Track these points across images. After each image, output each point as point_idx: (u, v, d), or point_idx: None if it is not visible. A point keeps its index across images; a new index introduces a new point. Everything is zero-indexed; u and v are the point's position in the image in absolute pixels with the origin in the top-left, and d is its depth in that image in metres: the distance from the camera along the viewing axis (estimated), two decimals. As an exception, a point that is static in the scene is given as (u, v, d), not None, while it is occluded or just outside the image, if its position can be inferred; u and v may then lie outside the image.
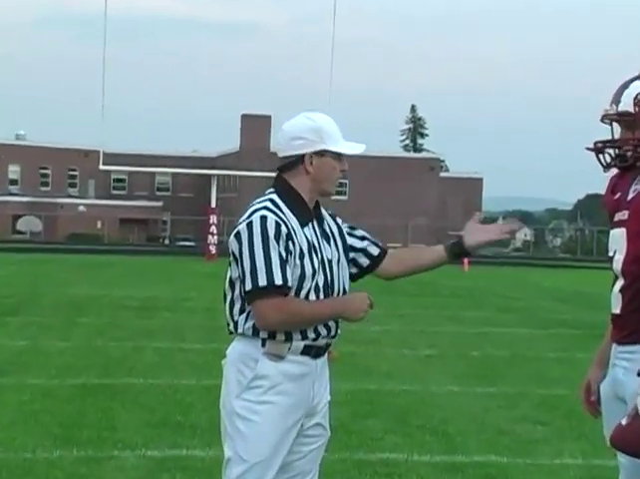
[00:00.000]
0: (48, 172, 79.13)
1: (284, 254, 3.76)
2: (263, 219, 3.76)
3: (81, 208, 73.31)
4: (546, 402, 9.63)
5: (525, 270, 45.13)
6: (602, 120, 3.96)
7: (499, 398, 9.83)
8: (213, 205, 45.36)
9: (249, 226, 3.77)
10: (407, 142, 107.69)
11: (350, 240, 4.07)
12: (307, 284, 3.82)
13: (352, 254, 4.07)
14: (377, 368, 11.56)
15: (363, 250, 4.10)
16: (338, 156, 3.95)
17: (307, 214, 3.90)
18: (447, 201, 78.00)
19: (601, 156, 3.98)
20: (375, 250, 4.13)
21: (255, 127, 72.95)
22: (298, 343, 3.84)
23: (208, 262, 40.54)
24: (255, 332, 3.82)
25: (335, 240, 3.99)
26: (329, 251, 3.93)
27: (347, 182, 75.35)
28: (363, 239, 4.12)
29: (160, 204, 79.14)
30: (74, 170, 79.97)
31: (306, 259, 3.82)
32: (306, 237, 3.85)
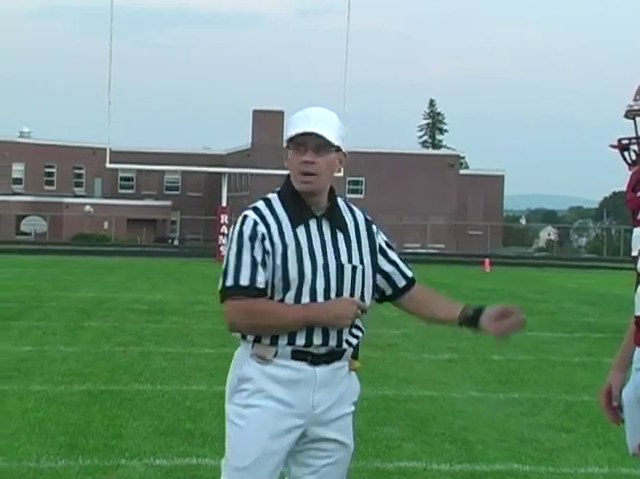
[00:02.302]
0: (53, 170, 78.34)
1: (259, 255, 3.61)
2: (244, 218, 3.65)
3: (87, 207, 72.72)
4: (571, 409, 9.40)
5: (549, 271, 44.85)
6: (626, 115, 3.85)
7: (522, 404, 9.62)
8: (224, 204, 45.08)
9: (234, 226, 3.69)
10: (425, 138, 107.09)
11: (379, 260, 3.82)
12: (294, 286, 3.62)
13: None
14: (395, 373, 11.34)
15: (386, 276, 3.84)
16: (297, 145, 3.64)
17: (303, 213, 3.67)
18: (467, 199, 77.64)
19: (626, 153, 3.87)
20: (401, 281, 3.86)
21: (267, 123, 72.27)
22: (285, 348, 3.66)
23: (219, 264, 40.29)
24: (244, 335, 3.70)
25: (360, 245, 3.75)
26: (341, 255, 3.69)
27: (363, 179, 75.13)
28: (392, 263, 3.86)
29: (168, 203, 78.69)
30: (80, 168, 79.15)
31: (291, 260, 3.62)
32: (297, 237, 3.64)
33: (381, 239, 3.85)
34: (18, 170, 77.27)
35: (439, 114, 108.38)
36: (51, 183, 78.60)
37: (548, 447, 7.80)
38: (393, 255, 3.87)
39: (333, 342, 3.69)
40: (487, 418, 8.89)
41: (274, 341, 3.66)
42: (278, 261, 3.61)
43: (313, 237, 3.68)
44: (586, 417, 8.88)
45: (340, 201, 3.81)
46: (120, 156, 55.40)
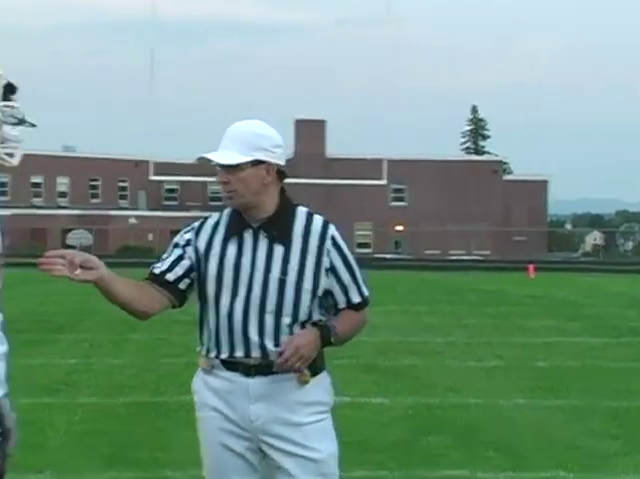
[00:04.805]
0: (98, 183, 78.31)
1: (180, 253, 3.72)
2: (189, 225, 3.86)
3: (132, 220, 72.86)
4: (618, 415, 9.30)
5: (595, 276, 44.47)
6: None
7: (568, 411, 9.54)
8: (268, 214, 45.15)
9: None
10: (468, 144, 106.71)
11: (327, 281, 3.67)
12: (212, 292, 3.65)
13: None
14: (440, 382, 11.29)
15: (330, 295, 3.70)
16: (219, 165, 3.75)
17: (237, 225, 3.73)
18: (511, 205, 77.20)
19: None
20: (342, 304, 3.71)
21: (310, 132, 72.06)
22: (215, 358, 3.68)
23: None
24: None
25: (303, 259, 3.63)
26: (273, 268, 3.62)
27: (406, 187, 74.92)
28: (341, 285, 3.68)
29: (213, 214, 78.87)
30: (124, 181, 78.88)
31: (211, 269, 3.67)
32: (225, 248, 3.69)
33: (335, 256, 3.67)
34: (63, 183, 77.88)
35: (481, 120, 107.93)
36: (96, 196, 79.05)
37: (595, 454, 7.72)
38: (345, 277, 3.70)
39: (257, 353, 3.61)
40: (534, 425, 8.82)
41: (207, 352, 3.71)
42: (202, 268, 3.68)
43: (244, 248, 3.68)
44: (633, 423, 8.79)
45: (300, 210, 3.73)
46: (163, 167, 55.72)
